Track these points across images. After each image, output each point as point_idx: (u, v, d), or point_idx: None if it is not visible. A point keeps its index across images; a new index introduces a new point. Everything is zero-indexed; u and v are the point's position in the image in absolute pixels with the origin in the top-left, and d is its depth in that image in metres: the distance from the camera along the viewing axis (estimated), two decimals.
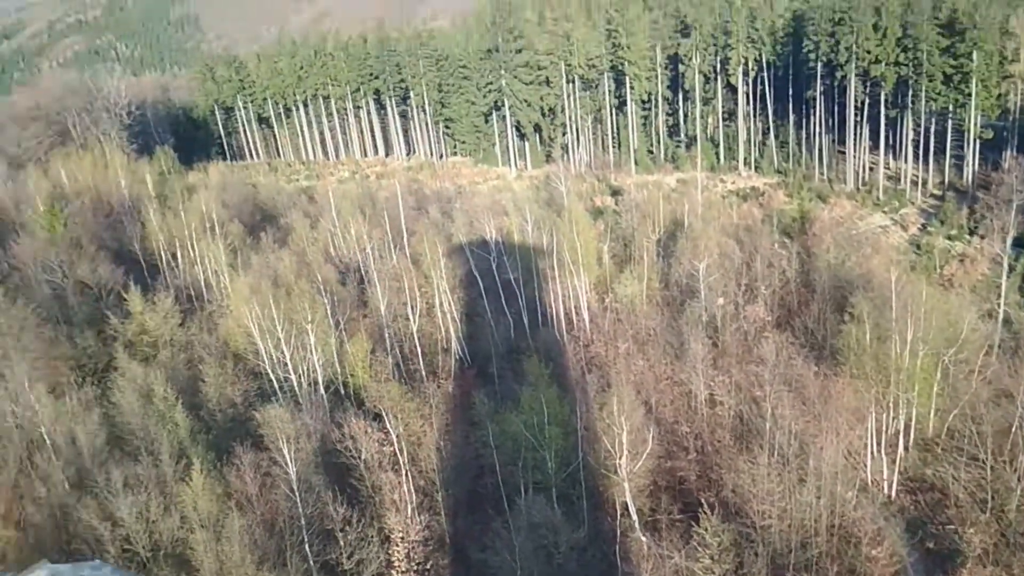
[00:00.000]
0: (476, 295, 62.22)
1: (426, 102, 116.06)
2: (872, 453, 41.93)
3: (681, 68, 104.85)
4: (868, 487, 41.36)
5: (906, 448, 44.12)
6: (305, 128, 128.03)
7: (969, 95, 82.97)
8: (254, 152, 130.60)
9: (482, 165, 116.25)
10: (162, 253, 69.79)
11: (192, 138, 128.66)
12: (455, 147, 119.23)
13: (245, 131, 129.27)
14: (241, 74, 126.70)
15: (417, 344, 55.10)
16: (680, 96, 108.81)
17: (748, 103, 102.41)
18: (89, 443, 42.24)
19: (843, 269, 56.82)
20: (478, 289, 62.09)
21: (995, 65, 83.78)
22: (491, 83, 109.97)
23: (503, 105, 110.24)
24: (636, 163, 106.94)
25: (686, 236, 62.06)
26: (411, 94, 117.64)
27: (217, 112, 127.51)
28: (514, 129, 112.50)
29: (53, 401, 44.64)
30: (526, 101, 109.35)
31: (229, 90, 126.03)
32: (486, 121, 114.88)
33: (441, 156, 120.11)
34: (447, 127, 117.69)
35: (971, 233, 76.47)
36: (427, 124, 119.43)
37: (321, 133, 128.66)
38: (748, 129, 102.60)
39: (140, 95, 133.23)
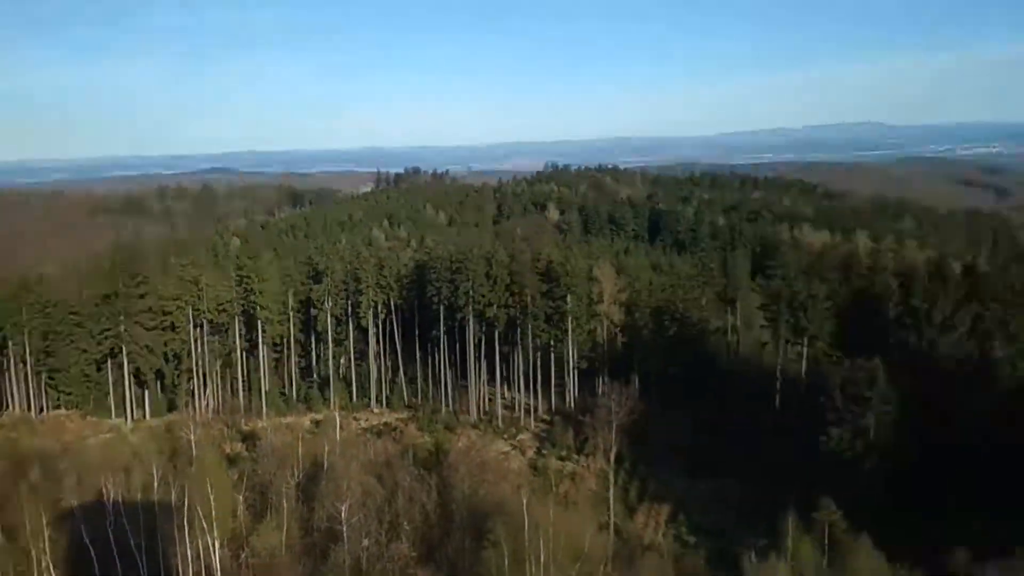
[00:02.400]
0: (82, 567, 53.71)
1: (26, 351, 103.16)
2: None
3: (313, 311, 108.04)
4: None
5: None
6: None
7: (566, 331, 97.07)
8: None
9: (92, 417, 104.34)
10: None
11: None
12: (59, 399, 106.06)
13: None
14: None
15: None
16: (313, 338, 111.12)
17: (378, 343, 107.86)
18: None
19: (478, 497, 59.61)
20: (89, 556, 53.70)
21: (585, 306, 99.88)
22: (108, 329, 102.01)
23: (120, 352, 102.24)
24: (268, 406, 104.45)
25: (327, 477, 60.89)
26: (9, 343, 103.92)
27: None
28: (132, 376, 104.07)
29: None
30: (148, 347, 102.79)
31: None
32: (98, 369, 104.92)
33: (42, 410, 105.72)
34: (51, 378, 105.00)
35: (579, 452, 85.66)
36: (27, 375, 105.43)
37: None
38: (379, 368, 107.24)
39: None
